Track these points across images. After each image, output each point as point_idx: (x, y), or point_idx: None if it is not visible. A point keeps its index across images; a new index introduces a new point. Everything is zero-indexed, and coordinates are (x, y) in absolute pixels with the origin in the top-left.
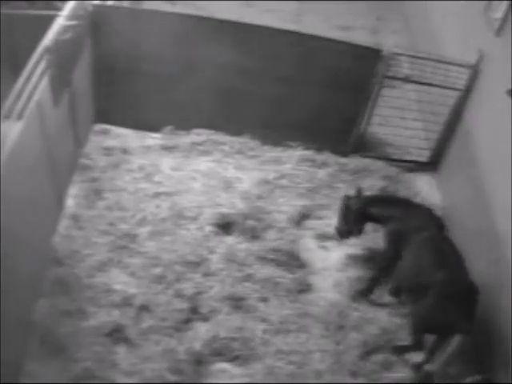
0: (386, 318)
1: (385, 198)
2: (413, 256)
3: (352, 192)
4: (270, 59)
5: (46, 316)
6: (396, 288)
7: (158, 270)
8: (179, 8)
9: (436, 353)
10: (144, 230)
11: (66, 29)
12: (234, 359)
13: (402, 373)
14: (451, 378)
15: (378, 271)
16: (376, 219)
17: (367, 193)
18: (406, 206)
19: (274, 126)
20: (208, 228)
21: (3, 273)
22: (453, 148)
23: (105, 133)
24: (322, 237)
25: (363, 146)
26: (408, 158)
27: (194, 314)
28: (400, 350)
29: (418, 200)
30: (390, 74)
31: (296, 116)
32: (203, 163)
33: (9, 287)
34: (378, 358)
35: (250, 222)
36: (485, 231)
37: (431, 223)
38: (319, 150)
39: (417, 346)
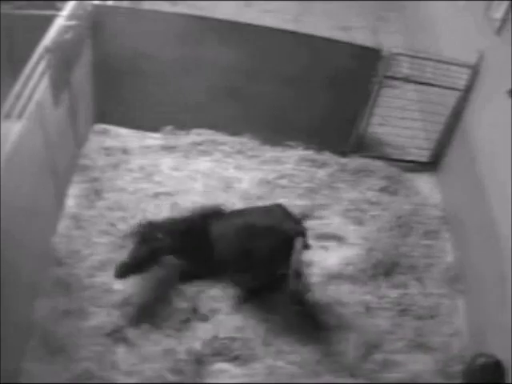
0: (385, 319)
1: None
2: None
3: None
4: (270, 59)
5: (46, 316)
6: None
7: None
8: (179, 8)
9: None
10: None
11: (66, 29)
12: (234, 359)
13: (402, 373)
14: (464, 363)
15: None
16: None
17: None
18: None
19: (274, 126)
20: None
21: (3, 273)
22: (453, 148)
23: (105, 133)
24: (322, 237)
25: (363, 146)
26: (408, 157)
27: (194, 314)
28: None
29: (418, 200)
30: (390, 74)
31: (296, 116)
32: (203, 163)
33: (9, 287)
34: (378, 357)
35: None
36: (485, 231)
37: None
38: (319, 150)
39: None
